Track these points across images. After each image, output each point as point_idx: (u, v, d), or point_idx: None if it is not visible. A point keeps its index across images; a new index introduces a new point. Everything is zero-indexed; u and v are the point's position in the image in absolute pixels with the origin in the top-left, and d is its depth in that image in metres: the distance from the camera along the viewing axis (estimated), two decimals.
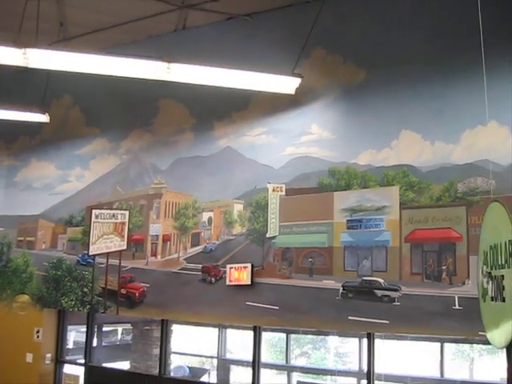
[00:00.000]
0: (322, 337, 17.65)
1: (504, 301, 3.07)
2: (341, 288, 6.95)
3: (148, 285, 8.40)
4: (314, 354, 18.46)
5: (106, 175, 9.21)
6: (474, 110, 6.28)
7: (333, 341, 18.85)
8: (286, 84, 6.96)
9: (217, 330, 11.55)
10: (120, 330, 12.77)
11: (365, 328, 6.87)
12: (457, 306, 6.22)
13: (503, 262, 3.07)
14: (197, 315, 8.03)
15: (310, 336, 15.95)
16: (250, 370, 7.84)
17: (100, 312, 8.87)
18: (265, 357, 14.50)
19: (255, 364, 7.74)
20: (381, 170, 6.91)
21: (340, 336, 11.93)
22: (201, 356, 12.56)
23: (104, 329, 12.13)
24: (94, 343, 11.43)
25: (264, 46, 7.94)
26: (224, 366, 11.63)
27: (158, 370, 8.48)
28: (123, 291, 8.54)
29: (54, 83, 8.92)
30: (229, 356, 11.88)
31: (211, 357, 12.02)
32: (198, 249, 8.16)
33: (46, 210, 9.79)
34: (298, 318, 7.22)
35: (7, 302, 9.78)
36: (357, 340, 10.78)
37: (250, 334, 7.92)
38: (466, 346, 15.75)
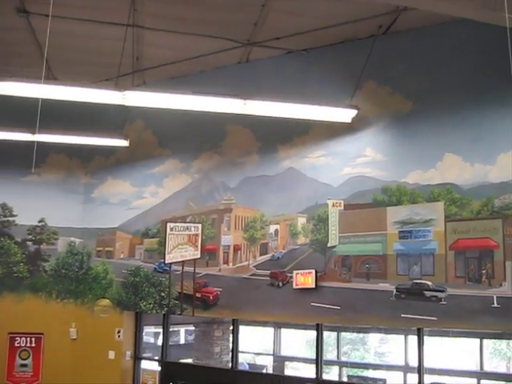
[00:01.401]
0: (362, 335, 19.14)
1: None
2: (394, 290, 8.48)
3: (221, 289, 10.00)
4: (354, 353, 19.97)
5: (179, 192, 10.83)
6: (507, 136, 7.74)
7: (373, 341, 20.32)
8: (344, 114, 8.53)
9: (272, 329, 13.13)
10: (183, 330, 14.38)
11: (415, 324, 8.38)
12: (495, 305, 7.67)
13: None
14: (266, 315, 9.63)
15: (349, 336, 17.46)
16: (303, 365, 9.33)
17: (177, 314, 10.49)
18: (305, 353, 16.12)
19: (318, 359, 9.27)
20: (427, 188, 8.39)
21: (388, 333, 13.21)
22: (258, 354, 14.11)
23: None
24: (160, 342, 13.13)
25: (319, 77, 9.46)
26: (279, 362, 13.20)
27: (230, 365, 10.11)
28: (198, 295, 10.15)
29: (127, 108, 10.52)
30: (283, 353, 13.47)
31: (267, 354, 13.57)
32: (266, 257, 9.75)
33: (123, 223, 11.46)
34: (357, 317, 8.75)
35: (89, 305, 11.48)
36: (398, 338, 12.27)
37: (302, 332, 9.43)
38: (504, 345, 17.16)
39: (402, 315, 8.35)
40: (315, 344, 9.40)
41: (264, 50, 9.79)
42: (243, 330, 13.43)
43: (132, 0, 8.35)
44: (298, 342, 19.59)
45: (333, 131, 9.17)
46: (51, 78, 11.06)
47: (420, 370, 8.45)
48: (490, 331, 8.78)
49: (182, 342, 14.36)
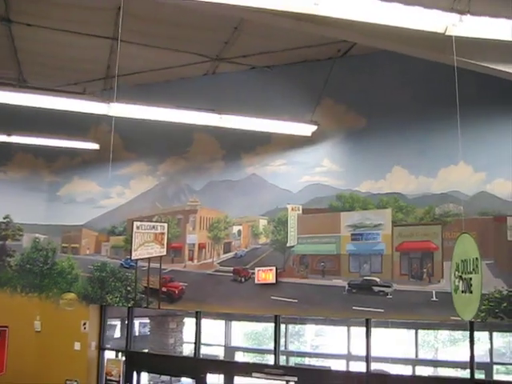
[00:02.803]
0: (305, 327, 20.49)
1: (472, 293, 5.78)
2: (346, 285, 9.75)
3: (186, 284, 11.00)
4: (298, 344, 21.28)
5: (145, 193, 11.73)
6: (448, 153, 9.09)
7: (317, 332, 21.66)
8: (305, 129, 9.73)
9: (223, 322, 14.21)
10: (137, 323, 15.16)
11: (365, 315, 9.66)
12: (434, 298, 9.05)
13: (471, 270, 5.76)
14: (229, 307, 10.72)
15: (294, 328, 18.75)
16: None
17: (143, 307, 11.41)
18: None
19: (276, 350, 10.41)
20: (377, 196, 9.69)
21: (331, 325, 14.47)
22: (211, 345, 15.10)
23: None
24: (119, 334, 13.97)
25: (281, 93, 10.59)
26: (230, 352, 14.30)
27: (193, 353, 11.16)
28: (164, 289, 11.11)
29: None
30: (234, 344, 14.59)
31: (219, 345, 14.61)
32: (230, 255, 10.82)
33: (89, 221, 12.24)
34: (312, 309, 9.97)
35: (54, 299, 12.19)
36: (341, 330, 13.59)
37: (253, 325, 10.51)
38: (432, 337, 18.93)
39: (353, 307, 9.63)
40: (273, 334, 10.52)
41: (230, 65, 10.83)
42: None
43: (116, 16, 9.22)
44: (237, 334, 20.98)
45: (293, 142, 10.31)
46: (21, 79, 11.72)
47: (367, 358, 9.72)
48: (428, 321, 10.12)
49: (136, 333, 15.17)
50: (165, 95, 11.19)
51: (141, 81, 11.64)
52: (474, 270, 5.70)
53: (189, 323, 14.43)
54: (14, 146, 11.51)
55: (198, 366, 10.89)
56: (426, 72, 9.28)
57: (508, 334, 15.80)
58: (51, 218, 12.56)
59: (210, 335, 15.05)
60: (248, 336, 22.30)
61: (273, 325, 10.44)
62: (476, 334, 9.14)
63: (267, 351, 14.73)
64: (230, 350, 14.34)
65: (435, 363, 13.91)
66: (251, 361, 14.11)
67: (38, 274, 12.43)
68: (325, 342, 20.53)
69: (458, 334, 19.36)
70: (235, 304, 10.59)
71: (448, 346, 19.84)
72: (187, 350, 14.59)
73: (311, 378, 10.01)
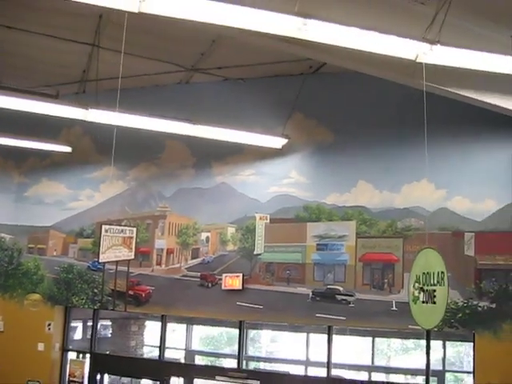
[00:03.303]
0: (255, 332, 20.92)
1: (435, 303, 6.26)
2: (311, 293, 10.19)
3: (153, 287, 11.27)
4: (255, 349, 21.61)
5: (115, 197, 11.95)
6: (411, 170, 9.66)
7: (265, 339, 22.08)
8: (275, 141, 10.15)
9: (185, 325, 14.44)
10: (98, 325, 15.30)
11: (328, 322, 10.11)
12: (394, 308, 9.57)
13: (435, 282, 6.24)
14: (195, 312, 11.02)
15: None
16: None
17: (109, 309, 11.61)
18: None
19: (240, 355, 10.80)
20: (342, 209, 10.18)
21: (291, 331, 14.81)
22: (171, 348, 15.32)
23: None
24: (80, 336, 14.08)
25: (253, 104, 10.98)
26: (190, 355, 14.53)
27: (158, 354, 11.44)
28: (131, 292, 11.36)
29: None
30: (194, 348, 14.84)
31: (179, 348, 14.83)
32: (197, 261, 11.15)
33: (57, 222, 12.38)
34: (277, 315, 10.38)
35: (18, 299, 12.28)
36: (301, 336, 14.00)
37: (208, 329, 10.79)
38: (385, 345, 19.55)
39: (317, 315, 10.09)
40: (238, 339, 10.89)
41: (204, 75, 11.16)
42: (156, 326, 14.74)
43: (98, 24, 9.47)
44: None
45: (263, 154, 10.70)
46: None
47: (328, 364, 10.18)
48: (388, 329, 10.63)
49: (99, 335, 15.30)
50: (138, 101, 11.42)
51: (114, 86, 11.82)
52: (438, 282, 6.16)
53: (150, 326, 14.68)
54: None
55: (163, 368, 11.17)
56: (393, 92, 9.73)
57: (458, 343, 16.54)
58: (18, 219, 12.67)
59: (171, 339, 15.31)
60: (203, 341, 22.59)
61: (229, 330, 10.78)
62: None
63: (228, 355, 15.10)
64: (191, 353, 14.57)
65: (389, 370, 14.44)
66: (209, 365, 14.42)
67: (3, 273, 12.50)
68: (279, 348, 20.96)
69: (410, 342, 20.08)
70: (202, 308, 10.90)
71: (400, 354, 20.49)
72: (147, 352, 14.82)
73: (273, 382, 10.41)
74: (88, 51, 10.46)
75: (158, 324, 13.86)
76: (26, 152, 12.18)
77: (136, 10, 6.40)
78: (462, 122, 9.38)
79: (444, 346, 12.38)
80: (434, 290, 6.28)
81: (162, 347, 11.47)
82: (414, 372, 13.78)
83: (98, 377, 11.63)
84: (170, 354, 14.11)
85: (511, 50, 7.66)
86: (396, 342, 20.68)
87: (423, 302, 6.78)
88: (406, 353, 20.82)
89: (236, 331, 15.86)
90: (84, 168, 12.26)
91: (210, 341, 22.71)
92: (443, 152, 9.39)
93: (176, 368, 11.38)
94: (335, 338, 10.57)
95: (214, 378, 10.66)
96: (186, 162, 11.44)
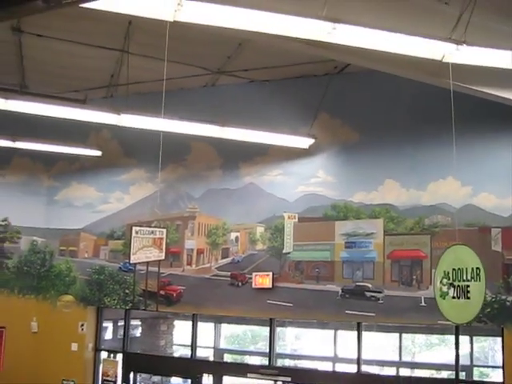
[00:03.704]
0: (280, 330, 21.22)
1: (469, 299, 6.47)
2: (340, 290, 10.40)
3: (184, 287, 11.54)
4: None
5: (144, 199, 12.24)
6: (436, 168, 9.84)
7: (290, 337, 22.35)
8: (302, 142, 10.37)
9: (212, 324, 14.75)
10: None
11: (357, 319, 10.31)
12: (423, 303, 9.75)
13: (469, 278, 6.44)
14: (225, 310, 11.29)
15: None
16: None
17: (141, 309, 11.92)
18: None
19: (271, 352, 11.04)
20: (370, 207, 10.36)
21: (320, 328, 15.05)
22: (200, 347, 15.64)
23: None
24: (111, 336, 14.42)
25: (278, 106, 11.18)
26: (219, 354, 14.85)
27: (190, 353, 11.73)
28: (162, 292, 11.64)
29: None
30: (222, 346, 15.16)
31: (207, 347, 15.15)
32: (227, 260, 11.41)
33: (88, 225, 12.71)
34: (307, 313, 10.61)
35: (51, 301, 12.63)
36: (328, 333, 14.24)
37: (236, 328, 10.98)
38: (409, 342, 19.71)
39: (346, 311, 10.29)
40: (268, 337, 11.14)
41: (229, 78, 11.41)
42: (187, 326, 15.03)
43: (127, 29, 9.74)
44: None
45: (290, 154, 10.92)
46: (23, 85, 12.13)
47: (359, 360, 10.37)
48: (417, 325, 10.83)
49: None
50: (165, 104, 11.68)
51: (141, 90, 12.14)
52: (473, 278, 6.36)
53: (179, 326, 14.99)
54: (11, 150, 11.91)
55: (194, 366, 11.45)
56: (418, 91, 9.92)
57: (483, 338, 16.68)
58: (49, 222, 13.02)
59: (200, 337, 15.63)
60: (228, 339, 22.94)
61: (253, 328, 10.94)
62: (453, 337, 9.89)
63: (256, 353, 15.40)
64: (219, 351, 14.88)
65: (416, 365, 14.64)
66: (241, 362, 14.71)
67: (36, 276, 12.88)
68: (303, 345, 21.22)
69: (434, 338, 20.27)
70: (232, 307, 11.16)
71: (424, 350, 20.68)
72: (177, 351, 15.15)
73: (304, 378, 10.64)
74: (116, 56, 10.75)
75: (186, 323, 14.20)
76: (55, 156, 12.51)
77: (171, 19, 6.68)
78: (486, 119, 9.52)
79: (471, 341, 12.56)
80: (468, 286, 6.47)
81: (193, 346, 11.74)
82: (439, 367, 14.00)
83: (131, 375, 11.95)
84: (198, 353, 14.42)
85: None
86: (420, 338, 20.88)
87: (453, 298, 6.96)
88: (431, 348, 21.01)
89: (261, 329, 16.15)
90: (113, 171, 12.57)
91: (234, 339, 23.06)
92: (468, 149, 9.50)
93: (207, 366, 11.67)
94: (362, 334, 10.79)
95: (245, 376, 10.92)
96: (213, 163, 11.70)
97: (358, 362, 10.36)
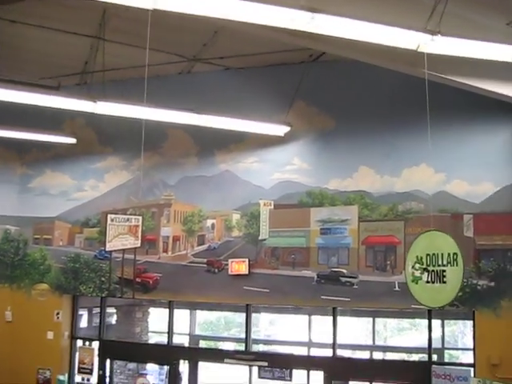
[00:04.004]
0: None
1: (445, 283, 6.68)
2: (315, 276, 10.60)
3: (161, 274, 11.62)
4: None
5: (120, 187, 12.25)
6: (410, 155, 10.07)
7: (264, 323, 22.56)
8: (278, 129, 10.49)
9: (188, 311, 14.82)
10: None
11: (332, 304, 10.53)
12: (397, 288, 9.99)
13: (445, 263, 6.65)
14: (202, 297, 11.40)
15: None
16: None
17: (117, 296, 11.97)
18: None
19: (247, 338, 11.20)
20: (344, 194, 10.56)
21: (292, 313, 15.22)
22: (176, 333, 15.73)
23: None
24: (86, 324, 14.43)
25: (255, 93, 11.27)
26: (194, 340, 14.94)
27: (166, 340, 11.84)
28: (139, 279, 11.70)
29: None
30: (198, 332, 15.25)
31: (183, 334, 15.23)
32: (203, 247, 11.51)
33: (62, 213, 12.67)
34: (283, 298, 10.78)
35: (26, 289, 12.60)
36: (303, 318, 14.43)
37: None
38: (381, 326, 20.07)
39: (322, 297, 10.50)
40: (244, 322, 11.30)
41: (205, 65, 11.45)
42: (162, 313, 15.10)
43: (102, 16, 9.72)
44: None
45: (265, 141, 11.04)
46: None
47: (334, 345, 10.61)
48: (388, 309, 11.08)
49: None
50: (140, 91, 11.65)
51: (116, 77, 12.10)
52: (449, 262, 6.57)
53: (154, 313, 15.06)
54: None
55: (171, 353, 11.57)
56: (393, 79, 10.06)
57: (452, 322, 17.07)
58: (23, 210, 12.94)
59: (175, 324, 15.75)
60: (201, 326, 23.09)
61: (226, 314, 11.04)
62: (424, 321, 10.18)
63: (233, 339, 15.57)
64: (195, 338, 14.96)
65: (389, 349, 14.92)
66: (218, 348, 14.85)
67: (9, 264, 12.81)
68: (277, 331, 21.45)
69: (405, 322, 20.69)
70: (209, 294, 11.28)
71: (396, 335, 21.09)
72: (152, 338, 15.21)
73: (280, 363, 10.84)
74: (90, 43, 10.70)
75: (162, 310, 14.26)
76: (28, 143, 12.34)
77: (151, 7, 6.72)
78: (459, 107, 9.77)
79: (443, 325, 12.87)
80: (444, 271, 6.69)
81: (170, 332, 11.86)
82: (411, 350, 14.30)
83: (108, 363, 12.02)
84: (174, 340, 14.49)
85: (507, 37, 8.14)
86: (392, 323, 21.29)
87: (428, 282, 7.19)
88: (402, 333, 21.43)
89: (234, 315, 16.30)
90: (88, 159, 12.53)
91: (208, 326, 23.22)
92: (441, 137, 9.71)
93: (184, 352, 11.80)
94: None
95: (222, 361, 11.08)
96: (189, 150, 11.76)
97: (334, 346, 10.59)
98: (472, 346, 10.03)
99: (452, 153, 9.85)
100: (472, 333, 9.99)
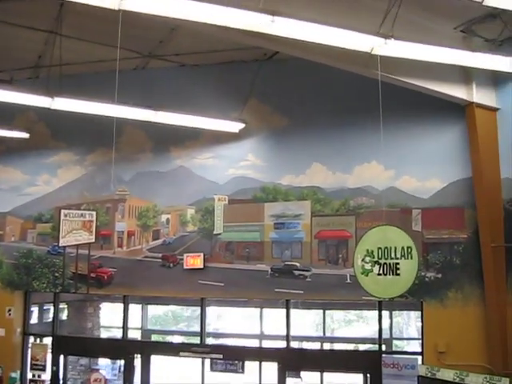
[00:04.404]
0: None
1: (399, 275, 7.09)
2: (269, 269, 10.96)
3: (115, 269, 11.75)
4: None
5: (73, 182, 12.29)
6: (362, 153, 10.50)
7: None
8: (233, 126, 10.76)
9: (140, 306, 14.95)
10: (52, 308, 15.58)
11: (286, 296, 10.89)
12: (348, 281, 10.42)
13: (398, 256, 7.06)
14: (157, 291, 11.58)
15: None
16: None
17: (71, 292, 12.02)
18: None
19: (202, 329, 11.47)
20: (298, 189, 10.94)
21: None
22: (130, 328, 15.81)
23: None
24: (36, 320, 14.38)
25: (210, 90, 11.48)
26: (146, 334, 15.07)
27: (121, 335, 11.98)
28: (93, 274, 11.80)
29: None
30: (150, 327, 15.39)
31: (136, 328, 15.34)
32: (158, 242, 11.70)
33: (14, 208, 12.62)
34: (238, 291, 11.10)
35: None
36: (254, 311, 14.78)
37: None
38: (328, 318, 20.59)
39: (276, 289, 10.86)
40: (200, 317, 11.56)
41: (160, 62, 11.59)
42: (113, 308, 15.18)
43: (59, 11, 9.75)
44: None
45: (220, 138, 11.31)
46: None
47: (288, 336, 10.97)
48: (339, 301, 11.53)
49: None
50: (93, 87, 11.71)
51: (71, 71, 12.09)
52: (403, 256, 7.00)
53: (105, 308, 15.12)
54: None
55: (126, 347, 11.72)
56: (345, 79, 10.41)
57: (398, 313, 17.72)
58: None
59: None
60: (150, 321, 23.21)
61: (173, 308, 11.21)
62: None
63: (186, 333, 15.82)
64: (146, 333, 15.09)
65: (338, 340, 15.38)
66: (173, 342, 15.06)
67: None
68: (225, 324, 21.75)
69: (352, 314, 21.33)
70: (164, 288, 11.50)
71: (343, 326, 21.68)
72: (103, 334, 15.26)
73: (235, 355, 11.14)
74: (45, 37, 10.70)
75: (113, 305, 14.37)
76: None
77: (116, 8, 6.88)
78: (408, 107, 10.22)
79: (391, 316, 13.40)
80: (397, 263, 7.11)
81: (125, 327, 12.00)
82: (359, 341, 14.80)
83: (62, 359, 12.08)
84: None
85: (454, 41, 8.64)
86: (339, 315, 21.90)
87: (379, 274, 7.61)
88: (349, 324, 22.07)
89: (182, 310, 16.51)
90: (40, 153, 12.50)
91: (156, 320, 23.35)
92: (391, 136, 10.16)
93: (139, 346, 11.94)
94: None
95: (177, 355, 11.31)
96: (144, 146, 11.90)
97: (287, 337, 10.96)
98: (418, 336, 10.57)
99: (401, 150, 10.34)
100: (420, 323, 10.49)
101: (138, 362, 12.11)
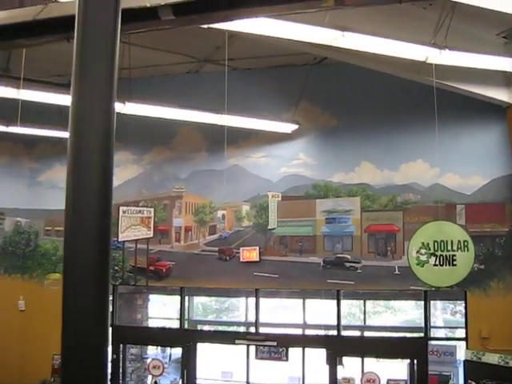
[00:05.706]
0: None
1: (455, 265, 8.19)
2: (321, 262, 12.05)
3: (173, 263, 12.87)
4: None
5: (131, 180, 13.38)
6: (407, 151, 11.57)
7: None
8: (286, 127, 11.85)
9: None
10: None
11: (338, 287, 11.97)
12: (397, 272, 11.51)
13: (455, 249, 8.15)
14: (215, 283, 12.70)
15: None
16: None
17: (131, 284, 13.17)
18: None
19: (257, 320, 12.56)
20: (348, 186, 12.02)
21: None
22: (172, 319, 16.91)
23: None
24: None
25: (260, 93, 12.56)
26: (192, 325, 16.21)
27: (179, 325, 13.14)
28: (152, 268, 12.92)
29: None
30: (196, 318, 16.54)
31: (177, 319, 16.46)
32: (215, 236, 12.80)
33: None
34: (292, 283, 12.20)
35: (38, 279, 13.67)
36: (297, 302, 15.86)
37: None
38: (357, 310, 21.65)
39: (328, 281, 11.95)
40: (255, 307, 12.65)
41: (213, 66, 12.66)
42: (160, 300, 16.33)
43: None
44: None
45: (272, 138, 12.38)
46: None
47: (338, 326, 12.04)
48: (388, 291, 12.58)
49: None
50: (148, 89, 12.75)
51: (124, 75, 13.17)
52: (459, 248, 8.08)
53: (153, 300, 16.29)
54: None
55: (186, 335, 12.84)
56: (392, 82, 11.38)
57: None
58: (33, 203, 13.96)
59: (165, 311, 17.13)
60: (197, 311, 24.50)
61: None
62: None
63: (236, 323, 17.01)
64: (193, 322, 16.20)
65: (381, 328, 16.41)
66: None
67: (21, 256, 13.85)
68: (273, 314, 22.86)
69: (381, 305, 22.47)
70: (221, 280, 12.61)
71: (371, 317, 22.79)
72: (152, 324, 16.44)
73: (288, 343, 12.24)
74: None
75: (162, 297, 15.49)
76: (35, 139, 13.21)
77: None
78: (452, 109, 11.15)
79: (428, 305, 14.46)
80: (454, 255, 8.20)
81: (182, 317, 13.13)
82: (398, 329, 15.84)
83: (121, 347, 13.21)
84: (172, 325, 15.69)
85: (494, 46, 9.68)
86: (368, 306, 23.00)
87: (435, 265, 8.72)
88: (378, 315, 23.21)
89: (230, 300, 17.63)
90: None
91: (204, 311, 24.61)
92: (435, 135, 11.10)
93: (196, 335, 13.07)
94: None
95: (233, 342, 12.42)
96: (199, 145, 13.00)
97: (338, 326, 12.05)
98: (461, 324, 11.63)
99: (445, 149, 11.33)
100: (464, 311, 11.55)
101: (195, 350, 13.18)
